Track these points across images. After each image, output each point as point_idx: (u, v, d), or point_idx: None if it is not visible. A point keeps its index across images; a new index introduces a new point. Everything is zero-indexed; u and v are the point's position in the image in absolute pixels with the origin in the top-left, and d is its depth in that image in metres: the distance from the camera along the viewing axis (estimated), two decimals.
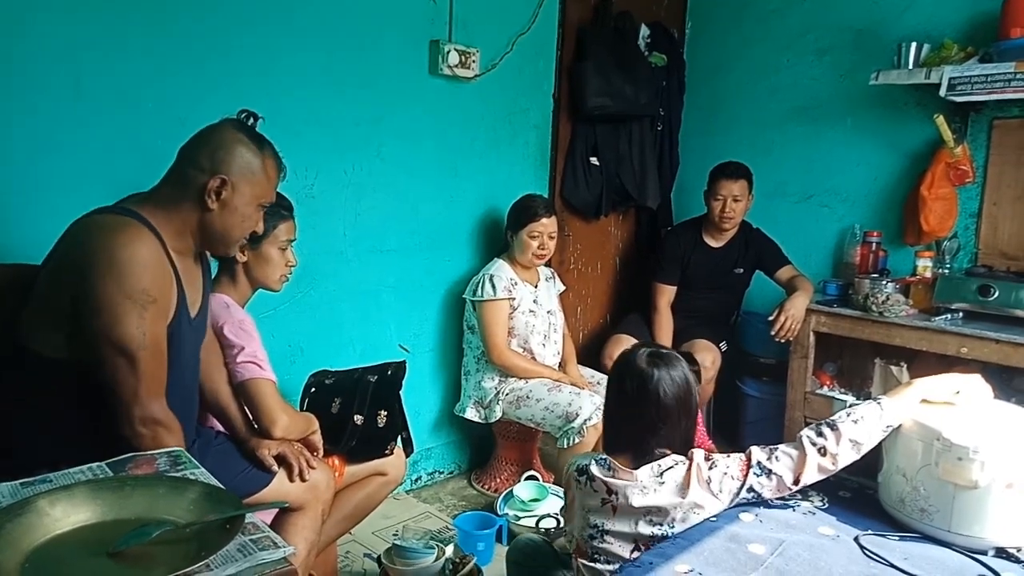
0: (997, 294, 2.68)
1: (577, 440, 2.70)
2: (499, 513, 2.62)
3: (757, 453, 1.58)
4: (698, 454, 1.57)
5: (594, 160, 3.44)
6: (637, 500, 1.53)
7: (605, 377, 2.99)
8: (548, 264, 3.07)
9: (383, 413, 2.14)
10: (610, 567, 1.56)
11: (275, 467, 1.77)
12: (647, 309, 3.40)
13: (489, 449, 3.11)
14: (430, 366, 3.02)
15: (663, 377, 1.59)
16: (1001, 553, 1.43)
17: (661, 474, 1.54)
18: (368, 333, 2.76)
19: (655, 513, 1.53)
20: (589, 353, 3.46)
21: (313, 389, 2.18)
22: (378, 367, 2.20)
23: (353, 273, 2.68)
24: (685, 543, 1.45)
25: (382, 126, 2.67)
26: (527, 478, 2.80)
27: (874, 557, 1.41)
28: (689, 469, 1.54)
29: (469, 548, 2.40)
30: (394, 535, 2.28)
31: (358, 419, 2.09)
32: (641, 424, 1.60)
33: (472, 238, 3.08)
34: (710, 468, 1.55)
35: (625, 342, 3.31)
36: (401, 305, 2.86)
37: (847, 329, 2.96)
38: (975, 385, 1.62)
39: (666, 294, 3.35)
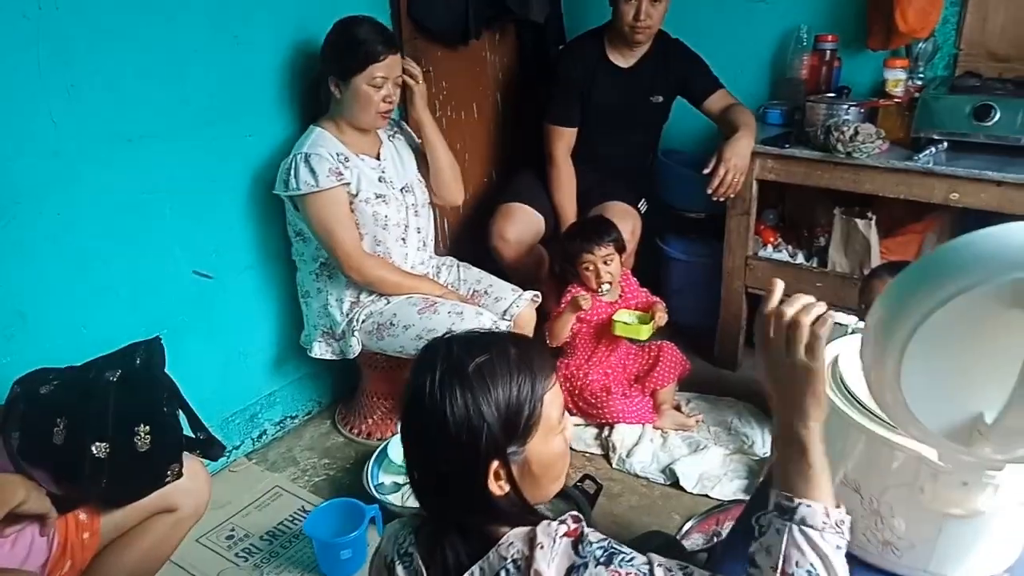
0: (998, 117, 2.01)
1: None
2: (371, 488, 1.94)
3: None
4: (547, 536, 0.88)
5: None
6: None
7: (499, 282, 2.24)
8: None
9: (143, 428, 1.33)
10: None
11: None
12: (541, 162, 2.58)
13: (354, 378, 2.37)
14: (252, 289, 2.16)
15: (458, 408, 0.88)
16: None
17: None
18: (137, 267, 1.85)
19: None
20: (472, 235, 2.66)
21: (23, 407, 1.32)
22: (119, 356, 1.36)
23: (86, 182, 1.71)
24: None
25: None
26: None
27: None
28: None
29: (329, 564, 1.73)
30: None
31: (98, 449, 1.29)
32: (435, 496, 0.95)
33: (281, 98, 2.10)
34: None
35: (518, 214, 2.54)
36: (184, 216, 1.93)
37: (801, 175, 2.27)
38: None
39: (564, 139, 2.53)
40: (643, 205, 2.60)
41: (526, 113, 2.85)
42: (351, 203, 1.99)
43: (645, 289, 2.48)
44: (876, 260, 2.27)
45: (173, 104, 1.84)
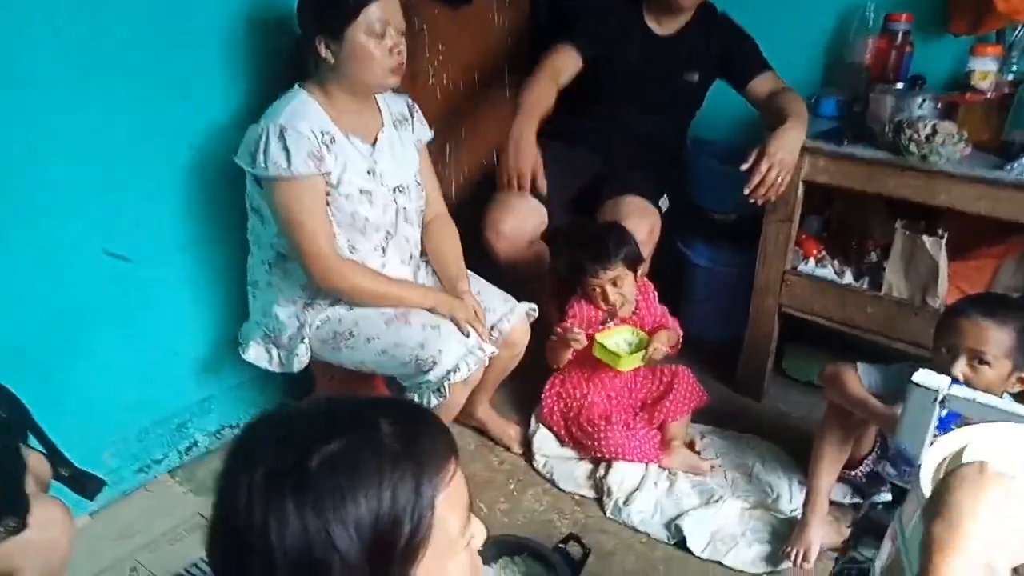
0: None
1: (436, 401, 1.63)
2: None
3: None
4: None
5: None
6: None
7: (489, 289, 1.89)
8: (400, 89, 1.76)
9: None
10: None
11: None
12: (552, 139, 2.18)
13: (308, 384, 2.01)
14: (186, 275, 1.80)
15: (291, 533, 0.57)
16: None
17: None
18: (34, 244, 1.49)
19: None
20: (464, 230, 2.28)
21: None
22: None
23: None
24: None
25: None
26: None
27: None
28: None
29: None
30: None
31: None
32: None
33: (231, 43, 1.72)
34: None
35: (516, 203, 2.16)
36: (94, 183, 1.56)
37: (860, 179, 1.88)
38: None
39: (561, 59, 2.02)
40: (664, 202, 2.21)
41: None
42: (327, 194, 1.60)
43: (663, 306, 2.11)
44: (943, 286, 1.88)
45: (82, 36, 1.46)
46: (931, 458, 0.78)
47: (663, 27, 2.09)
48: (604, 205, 2.16)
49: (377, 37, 1.54)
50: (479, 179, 2.47)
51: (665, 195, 2.22)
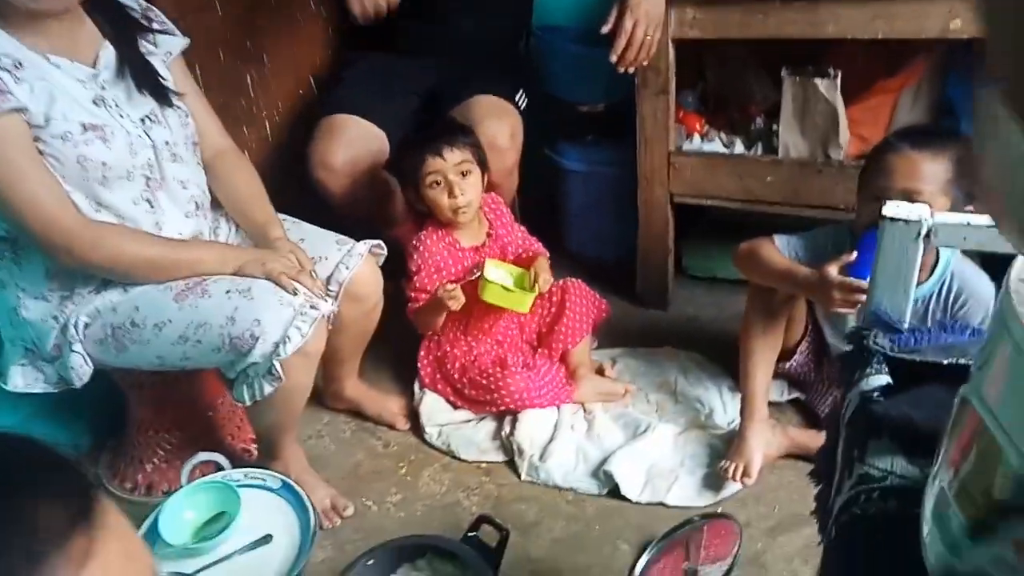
0: None
1: (271, 388, 1.23)
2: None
3: None
4: None
5: None
6: None
7: (316, 232, 1.49)
8: None
9: None
10: None
11: None
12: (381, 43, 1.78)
13: (117, 398, 1.54)
14: None
15: None
16: None
17: None
18: None
19: None
20: (281, 173, 1.84)
21: None
22: None
23: None
24: None
25: None
26: (198, 467, 1.31)
27: None
28: None
29: None
30: None
31: None
32: None
33: None
34: None
35: (347, 128, 1.81)
36: None
37: (737, 26, 1.60)
38: None
39: None
40: (521, 97, 1.86)
41: None
42: (36, 140, 1.13)
43: (522, 228, 1.77)
44: (844, 134, 1.65)
45: None
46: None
47: None
48: (454, 109, 1.78)
49: None
50: (298, 110, 2.02)
51: (521, 90, 1.86)
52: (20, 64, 1.12)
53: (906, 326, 0.81)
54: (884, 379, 0.73)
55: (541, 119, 2.00)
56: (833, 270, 1.23)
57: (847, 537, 0.63)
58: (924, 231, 0.76)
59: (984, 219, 0.75)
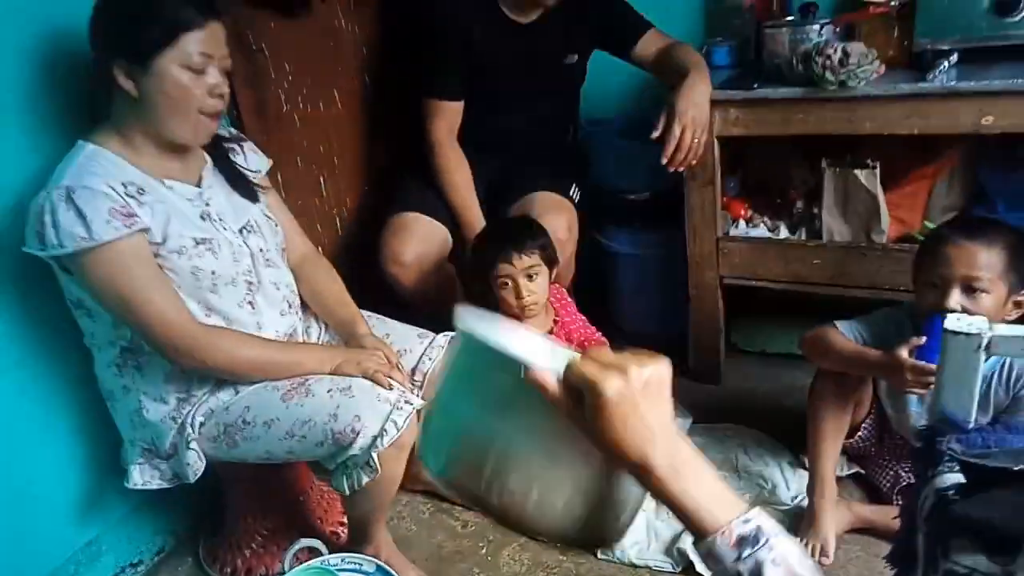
0: None
1: (368, 478, 1.33)
2: None
3: None
4: None
5: None
6: None
7: (399, 327, 1.60)
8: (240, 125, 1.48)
9: None
10: None
11: None
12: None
13: (217, 488, 1.66)
14: (26, 397, 1.42)
15: None
16: None
17: None
18: None
19: None
20: (352, 271, 1.98)
21: None
22: None
23: None
24: None
25: None
26: (300, 552, 1.41)
27: None
28: None
29: None
30: None
31: None
32: None
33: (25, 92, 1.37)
34: None
35: (414, 226, 1.91)
36: None
37: (777, 123, 1.72)
38: None
39: (446, 116, 1.90)
40: (576, 192, 1.99)
41: (407, 98, 2.19)
42: (156, 256, 1.28)
43: (582, 316, 1.88)
44: (886, 219, 1.75)
45: None
46: None
47: (524, 14, 1.86)
48: (512, 209, 1.92)
49: (196, 73, 1.25)
50: (366, 207, 2.18)
51: (575, 184, 2.00)
52: (143, 190, 1.28)
53: (971, 425, 0.90)
54: (958, 477, 0.82)
55: (591, 207, 2.14)
56: (904, 353, 1.31)
57: None
58: (984, 343, 0.86)
59: None
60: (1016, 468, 0.76)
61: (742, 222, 1.95)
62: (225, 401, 1.36)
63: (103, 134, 1.29)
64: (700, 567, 1.47)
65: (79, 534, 1.53)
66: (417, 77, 1.94)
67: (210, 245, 1.34)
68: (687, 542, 1.51)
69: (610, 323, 2.18)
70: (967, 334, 0.86)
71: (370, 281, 1.83)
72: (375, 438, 1.30)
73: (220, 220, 1.38)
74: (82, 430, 1.50)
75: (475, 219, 1.89)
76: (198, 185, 1.39)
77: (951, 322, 0.87)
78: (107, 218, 1.20)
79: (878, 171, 1.71)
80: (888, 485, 1.57)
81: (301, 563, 1.39)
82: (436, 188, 1.93)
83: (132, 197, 1.25)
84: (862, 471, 1.65)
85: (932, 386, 1.34)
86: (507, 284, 1.67)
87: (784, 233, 1.91)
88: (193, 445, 1.35)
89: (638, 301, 2.24)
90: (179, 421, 1.36)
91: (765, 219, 1.95)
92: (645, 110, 1.87)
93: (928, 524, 0.83)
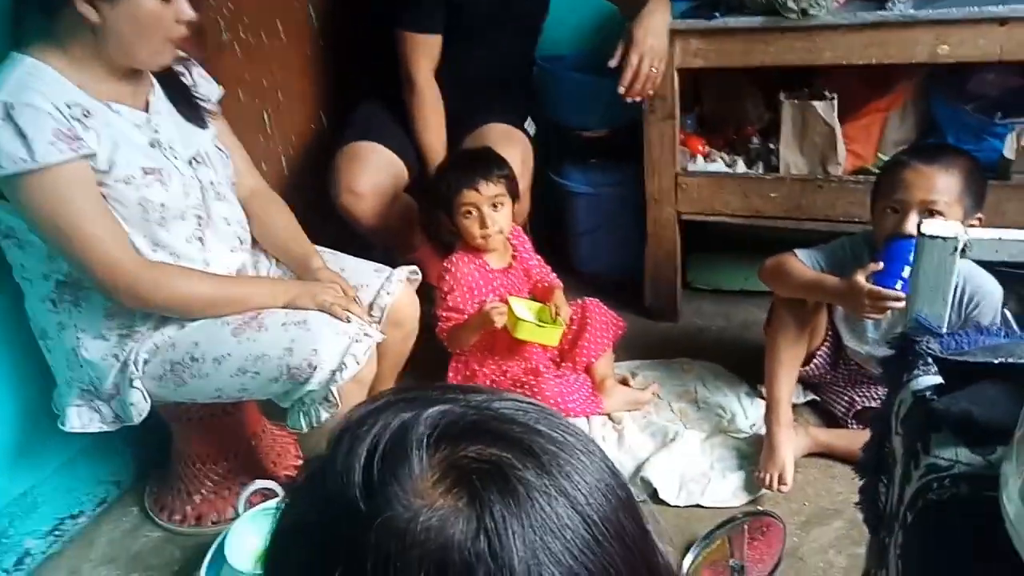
0: None
1: (327, 415, 1.28)
2: None
3: None
4: None
5: None
6: None
7: (354, 262, 1.54)
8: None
9: None
10: None
11: None
12: (390, 87, 1.86)
13: (162, 431, 1.58)
14: None
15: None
16: None
17: None
18: None
19: None
20: (315, 200, 1.90)
21: None
22: None
23: None
24: None
25: None
26: (254, 495, 1.36)
27: None
28: None
29: None
30: None
31: None
32: None
33: None
34: None
35: (369, 156, 1.86)
36: None
37: (739, 54, 1.71)
38: None
39: (427, 51, 1.82)
40: (530, 125, 1.95)
41: (358, 24, 2.09)
42: (100, 184, 1.19)
43: (538, 257, 1.85)
44: (842, 152, 1.76)
45: None
46: None
47: None
48: (464, 141, 1.86)
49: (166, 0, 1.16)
50: (312, 143, 2.08)
51: (529, 117, 1.95)
52: (88, 112, 1.17)
53: (944, 331, 0.90)
54: (936, 379, 0.82)
55: (545, 145, 2.10)
56: (862, 279, 1.33)
57: (925, 521, 0.72)
58: (960, 246, 0.86)
59: (1015, 233, 0.85)
60: (997, 361, 0.76)
61: (700, 158, 1.94)
62: (171, 337, 1.28)
63: (41, 48, 1.17)
64: (663, 494, 1.48)
65: (12, 484, 1.44)
66: (382, 9, 1.84)
67: (159, 176, 1.25)
68: (648, 471, 1.51)
69: (566, 263, 2.16)
70: (944, 237, 0.85)
71: (318, 224, 1.76)
72: (334, 372, 1.25)
73: (170, 148, 1.29)
74: (12, 371, 1.40)
75: (439, 157, 1.83)
76: (146, 110, 1.28)
77: (927, 226, 0.87)
78: (51, 139, 1.10)
79: (836, 103, 1.71)
80: (843, 410, 1.61)
81: (255, 506, 1.34)
82: (397, 120, 1.85)
83: (77, 120, 1.15)
84: (817, 398, 1.68)
85: (889, 312, 1.37)
86: (471, 213, 1.63)
87: (742, 168, 1.90)
88: (137, 384, 1.27)
89: (594, 240, 2.22)
90: (121, 359, 1.28)
91: (722, 154, 1.95)
92: (601, 46, 1.82)
93: (906, 424, 0.84)
